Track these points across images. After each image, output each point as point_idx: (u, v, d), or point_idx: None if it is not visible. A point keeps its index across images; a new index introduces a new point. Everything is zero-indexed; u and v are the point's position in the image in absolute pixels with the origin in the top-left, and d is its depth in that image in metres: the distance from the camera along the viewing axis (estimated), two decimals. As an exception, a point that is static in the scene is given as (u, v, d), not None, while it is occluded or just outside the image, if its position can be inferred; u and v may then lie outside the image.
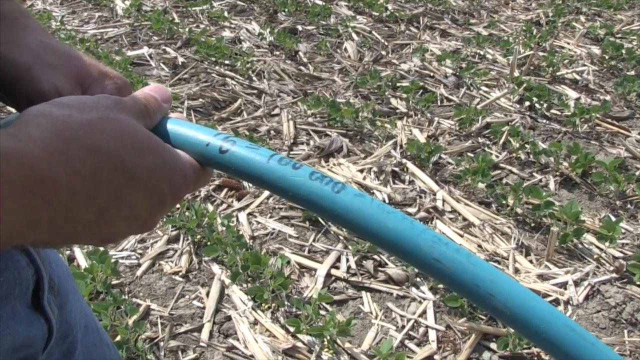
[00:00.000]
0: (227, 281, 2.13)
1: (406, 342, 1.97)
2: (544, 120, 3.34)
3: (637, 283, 2.21)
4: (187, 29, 4.18)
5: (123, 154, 0.46)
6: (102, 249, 2.13)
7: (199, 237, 2.31)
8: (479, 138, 3.12)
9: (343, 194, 0.48)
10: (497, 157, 2.93)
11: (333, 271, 2.21)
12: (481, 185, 2.65)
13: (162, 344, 1.91)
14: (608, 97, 3.63)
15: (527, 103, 3.48)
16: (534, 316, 0.45)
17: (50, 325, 0.66)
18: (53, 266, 0.70)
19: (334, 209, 0.48)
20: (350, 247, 2.28)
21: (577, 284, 2.20)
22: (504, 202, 2.55)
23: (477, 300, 0.46)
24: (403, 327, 2.02)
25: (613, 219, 2.44)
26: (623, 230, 2.47)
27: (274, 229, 2.41)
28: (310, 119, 3.21)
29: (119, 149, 0.46)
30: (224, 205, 2.56)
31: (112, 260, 2.11)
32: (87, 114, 0.46)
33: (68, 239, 0.46)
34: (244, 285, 2.11)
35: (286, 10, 4.75)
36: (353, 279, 2.18)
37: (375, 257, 2.26)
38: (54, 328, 0.67)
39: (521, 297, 0.45)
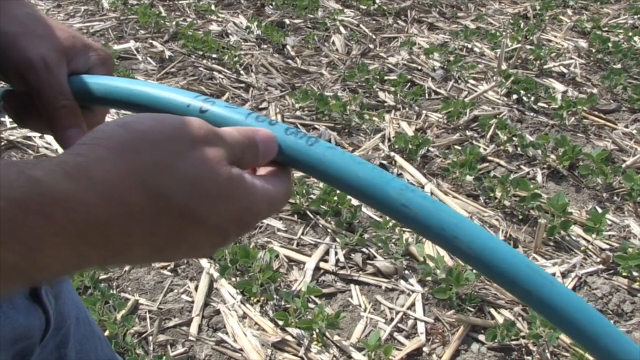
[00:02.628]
0: (216, 275, 2.12)
1: (395, 334, 1.98)
2: (532, 113, 3.35)
3: (623, 274, 2.23)
4: (174, 23, 4.16)
5: (192, 203, 0.41)
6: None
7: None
8: (467, 131, 3.13)
9: (316, 147, 0.50)
10: (484, 149, 2.94)
11: (322, 264, 2.21)
12: (469, 178, 2.66)
13: (151, 338, 1.90)
14: (595, 90, 3.65)
15: (514, 96, 3.49)
16: (497, 257, 0.46)
17: (47, 316, 0.67)
18: None
19: (308, 161, 0.50)
20: (338, 240, 2.28)
21: (564, 275, 2.22)
22: (491, 194, 2.56)
23: (443, 243, 0.47)
24: (392, 319, 2.02)
25: (600, 211, 2.46)
26: (609, 222, 2.49)
27: (262, 222, 2.40)
28: (298, 113, 3.21)
29: (189, 197, 0.41)
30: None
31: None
32: (160, 152, 0.42)
33: (118, 265, 0.45)
34: (233, 279, 2.11)
35: (274, 3, 4.73)
36: (342, 272, 2.18)
37: (364, 250, 2.26)
38: (51, 319, 0.67)
39: (484, 239, 0.47)
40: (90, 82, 0.61)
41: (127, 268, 2.16)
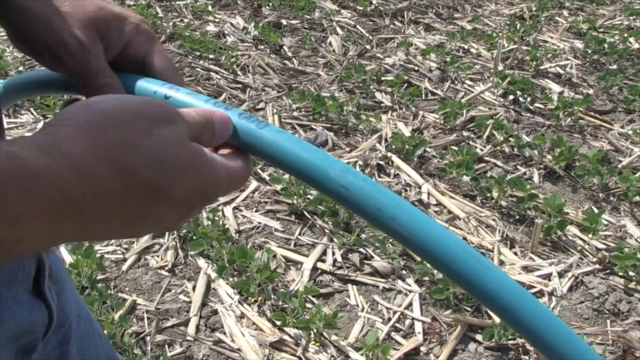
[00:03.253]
0: (213, 275, 2.12)
1: (392, 334, 1.98)
2: (528, 114, 3.36)
3: (620, 274, 2.24)
4: (171, 23, 4.16)
5: (157, 177, 0.43)
6: (87, 244, 2.12)
7: (184, 231, 2.30)
8: (464, 131, 3.13)
9: (266, 130, 0.52)
10: (481, 150, 2.95)
11: (319, 264, 2.21)
12: (466, 178, 2.67)
13: (148, 338, 1.90)
14: (591, 91, 3.66)
15: (511, 97, 3.50)
16: (433, 239, 0.47)
17: (50, 312, 0.67)
18: (50, 254, 0.71)
19: (257, 143, 0.52)
20: (336, 240, 2.28)
21: (561, 275, 2.23)
22: (488, 194, 2.57)
23: (381, 224, 0.48)
24: (389, 319, 2.03)
25: (596, 211, 2.47)
26: (605, 222, 2.50)
27: (259, 222, 2.40)
28: (295, 113, 3.21)
29: (154, 172, 0.43)
30: (210, 200, 2.54)
31: (98, 255, 2.10)
32: (125, 130, 0.44)
33: (88, 241, 0.46)
34: (230, 279, 2.11)
35: (270, 4, 4.73)
36: (339, 272, 2.19)
37: (361, 250, 2.27)
38: (54, 314, 0.68)
39: (421, 222, 0.47)
40: None
41: (124, 268, 2.16)
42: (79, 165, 0.40)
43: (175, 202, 0.45)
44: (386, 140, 2.99)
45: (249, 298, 2.04)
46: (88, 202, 0.40)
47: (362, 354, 1.86)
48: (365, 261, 2.24)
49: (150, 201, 0.44)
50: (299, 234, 2.36)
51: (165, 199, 0.45)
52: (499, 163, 2.89)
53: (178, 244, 2.27)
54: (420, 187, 2.65)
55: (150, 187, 0.43)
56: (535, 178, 2.79)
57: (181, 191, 0.45)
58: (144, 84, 0.58)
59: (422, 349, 1.93)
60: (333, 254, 2.25)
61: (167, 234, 2.31)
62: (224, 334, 1.93)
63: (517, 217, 2.51)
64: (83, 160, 0.40)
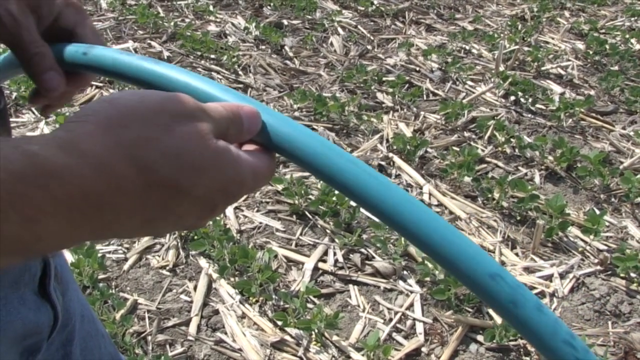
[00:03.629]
0: (215, 275, 2.12)
1: (393, 334, 1.98)
2: (529, 115, 3.36)
3: (621, 275, 2.24)
4: (172, 23, 4.16)
5: (177, 174, 0.43)
6: (88, 243, 2.11)
7: (185, 231, 2.30)
8: (465, 132, 3.13)
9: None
10: (482, 151, 2.95)
11: (320, 265, 2.21)
12: (467, 179, 2.67)
13: (149, 338, 1.90)
14: (592, 92, 3.66)
15: (512, 97, 3.50)
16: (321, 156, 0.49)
17: (55, 312, 0.67)
18: (55, 254, 0.71)
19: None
20: (337, 240, 2.28)
21: (562, 276, 2.23)
22: (489, 195, 2.57)
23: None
24: (390, 319, 2.03)
25: (597, 212, 2.47)
26: (607, 224, 2.50)
27: (261, 222, 2.40)
28: (296, 113, 3.21)
29: (175, 170, 0.43)
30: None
31: (99, 255, 2.10)
32: (145, 126, 0.43)
33: (107, 239, 0.46)
34: (232, 279, 2.11)
35: (272, 4, 4.73)
36: (340, 272, 2.19)
37: (362, 250, 2.27)
38: (59, 315, 0.68)
39: (310, 141, 0.50)
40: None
41: (125, 268, 2.16)
42: (98, 164, 0.40)
43: (198, 200, 0.45)
44: (387, 140, 2.99)
45: (250, 298, 2.04)
46: (107, 201, 0.40)
47: (363, 355, 1.86)
48: (367, 261, 2.23)
49: (171, 199, 0.43)
50: (300, 234, 2.36)
51: (187, 197, 0.44)
52: (500, 164, 2.89)
53: (179, 244, 2.27)
54: (421, 188, 2.65)
55: (171, 185, 0.43)
56: (537, 179, 2.79)
57: (204, 189, 0.44)
58: (70, 47, 0.61)
59: (423, 349, 1.93)
60: (334, 254, 2.25)
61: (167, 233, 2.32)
62: (225, 334, 1.93)
63: (518, 218, 2.50)
64: (102, 158, 0.40)
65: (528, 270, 2.24)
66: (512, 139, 2.99)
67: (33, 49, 0.60)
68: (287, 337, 1.91)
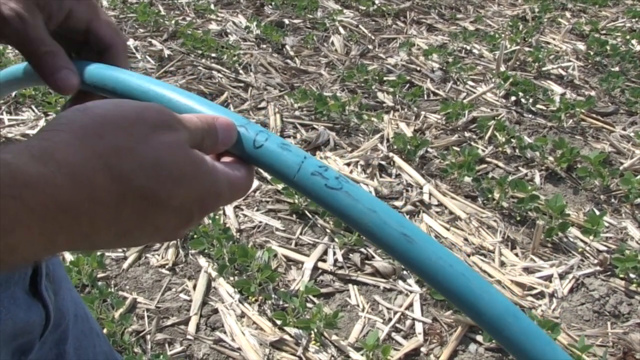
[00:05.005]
0: (214, 274, 2.12)
1: (393, 334, 1.98)
2: (530, 115, 3.36)
3: (621, 276, 2.23)
4: (173, 22, 4.16)
5: (154, 185, 0.42)
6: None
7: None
8: (465, 132, 3.13)
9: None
10: (483, 151, 2.95)
11: (320, 264, 2.21)
12: (467, 179, 2.66)
13: (148, 337, 1.90)
14: (593, 93, 3.66)
15: (513, 98, 3.49)
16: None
17: (47, 312, 0.67)
18: None
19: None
20: (337, 240, 2.28)
21: (562, 277, 2.23)
22: (490, 196, 2.57)
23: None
24: (390, 319, 2.03)
25: (597, 213, 2.46)
26: (607, 224, 2.49)
27: (260, 222, 2.40)
28: (297, 113, 3.21)
29: (151, 180, 0.42)
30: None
31: (98, 253, 2.10)
32: (121, 136, 0.42)
33: (84, 250, 0.45)
34: (231, 278, 2.11)
35: (273, 3, 4.73)
36: (340, 272, 2.18)
37: (362, 250, 2.27)
38: (51, 314, 0.67)
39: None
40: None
41: (125, 267, 2.16)
42: (73, 173, 0.39)
43: (174, 211, 0.44)
44: (388, 140, 2.99)
45: (250, 297, 2.04)
46: (83, 210, 0.39)
47: (362, 354, 1.86)
48: (366, 261, 2.23)
49: (148, 209, 0.43)
50: (300, 234, 2.35)
51: (163, 208, 0.43)
52: (500, 164, 2.89)
53: (179, 243, 2.27)
54: (421, 188, 2.64)
55: (147, 195, 0.42)
56: (537, 179, 2.79)
57: (180, 199, 0.44)
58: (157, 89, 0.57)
59: (423, 349, 1.93)
60: (334, 253, 2.25)
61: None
62: (225, 333, 1.93)
63: (518, 218, 2.50)
64: (78, 167, 0.39)
65: (528, 270, 2.24)
66: (512, 140, 2.99)
67: (43, 48, 0.58)
68: (287, 337, 1.91)
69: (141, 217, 0.43)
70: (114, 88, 0.58)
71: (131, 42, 3.89)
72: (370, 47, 4.12)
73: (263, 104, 3.28)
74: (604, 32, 4.63)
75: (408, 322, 2.02)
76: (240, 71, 3.62)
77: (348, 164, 2.79)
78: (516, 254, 2.33)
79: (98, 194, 0.40)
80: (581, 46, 4.31)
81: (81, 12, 0.62)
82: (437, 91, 3.56)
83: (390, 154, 2.86)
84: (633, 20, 4.94)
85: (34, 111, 3.06)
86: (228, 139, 0.51)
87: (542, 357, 0.47)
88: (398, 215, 0.49)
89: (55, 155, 0.39)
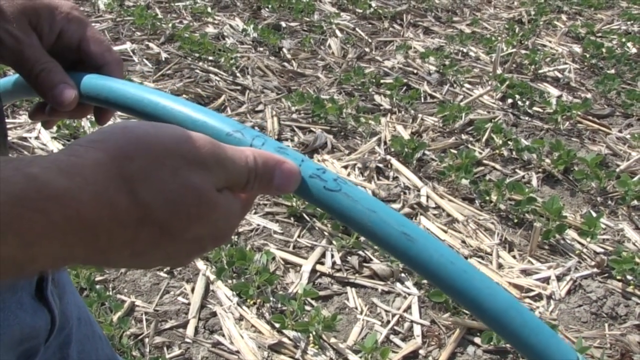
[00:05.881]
0: (212, 277, 2.12)
1: (391, 337, 1.98)
2: (527, 118, 3.37)
3: (618, 278, 2.24)
4: (170, 25, 4.16)
5: (171, 219, 0.43)
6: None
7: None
8: (463, 135, 3.14)
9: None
10: (480, 153, 2.96)
11: (318, 267, 2.21)
12: (465, 182, 2.67)
13: (147, 340, 1.90)
14: (589, 95, 3.67)
15: (509, 100, 3.51)
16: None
17: (53, 316, 0.67)
18: None
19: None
20: (335, 242, 2.29)
21: (559, 278, 2.23)
22: (487, 198, 2.57)
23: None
24: (388, 322, 2.03)
25: (594, 215, 2.47)
26: (604, 226, 2.50)
27: (258, 225, 2.40)
28: (294, 115, 3.21)
29: (169, 214, 0.43)
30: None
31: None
32: (152, 163, 0.43)
33: (98, 265, 0.46)
34: (229, 281, 2.11)
35: (270, 6, 4.74)
36: (338, 274, 2.19)
37: (360, 252, 2.27)
38: (56, 319, 0.67)
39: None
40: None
41: (123, 270, 2.16)
42: (98, 192, 0.40)
43: (186, 242, 0.45)
44: (385, 143, 2.99)
45: (248, 300, 2.04)
46: (103, 228, 0.40)
47: (360, 357, 1.86)
48: (364, 264, 2.24)
49: (162, 238, 0.44)
50: (298, 237, 2.36)
51: (177, 239, 0.44)
52: (497, 166, 2.90)
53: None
54: (419, 190, 2.65)
55: (162, 226, 0.43)
56: (534, 182, 2.80)
57: (193, 234, 0.45)
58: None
59: (421, 351, 1.93)
60: (332, 256, 2.25)
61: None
62: (223, 336, 1.93)
63: (515, 220, 2.51)
64: (103, 187, 0.40)
65: (525, 272, 2.25)
66: (509, 142, 3.00)
67: (38, 66, 0.59)
68: (285, 340, 1.91)
69: (154, 243, 0.44)
70: (107, 97, 0.59)
71: (128, 46, 3.89)
72: (367, 50, 4.13)
73: (260, 107, 3.29)
74: (599, 34, 4.65)
75: (406, 325, 2.02)
76: (238, 74, 3.62)
77: (345, 167, 2.79)
78: (514, 256, 2.33)
79: (119, 215, 0.41)
80: (577, 49, 4.32)
81: (72, 31, 0.63)
82: (434, 94, 3.57)
83: (388, 157, 2.87)
84: (628, 22, 4.96)
85: (31, 114, 3.05)
86: (285, 187, 0.50)
87: (547, 350, 0.47)
88: (398, 214, 0.50)
89: (84, 172, 0.40)
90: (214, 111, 0.54)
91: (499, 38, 4.37)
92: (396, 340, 1.97)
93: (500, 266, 2.27)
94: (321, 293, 2.10)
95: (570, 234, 2.45)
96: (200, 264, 2.18)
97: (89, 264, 0.42)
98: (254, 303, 2.04)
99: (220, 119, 0.53)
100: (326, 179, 0.50)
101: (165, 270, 2.17)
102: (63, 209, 0.38)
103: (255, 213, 2.46)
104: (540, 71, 3.92)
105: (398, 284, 2.16)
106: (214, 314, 2.00)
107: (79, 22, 0.64)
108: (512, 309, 0.48)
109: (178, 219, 0.43)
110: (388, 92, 3.46)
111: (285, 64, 3.84)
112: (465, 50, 4.20)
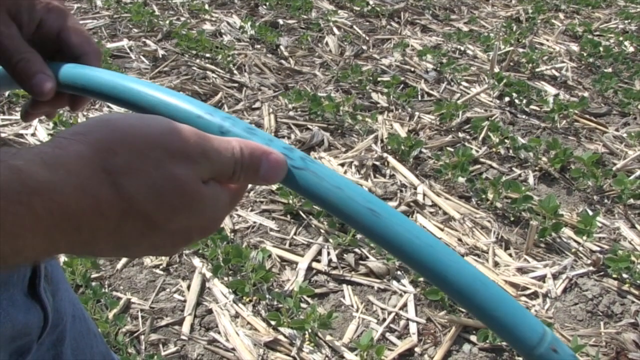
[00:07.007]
0: (208, 274, 2.12)
1: (387, 334, 1.98)
2: (524, 116, 3.37)
3: (614, 276, 2.24)
4: (167, 22, 4.15)
5: (155, 211, 0.43)
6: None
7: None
8: (459, 133, 3.14)
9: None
10: (477, 151, 2.96)
11: (314, 264, 2.21)
12: (461, 180, 2.67)
13: (142, 337, 1.89)
14: (586, 94, 3.67)
15: (506, 99, 3.51)
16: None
17: (45, 313, 0.67)
18: None
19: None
20: (331, 240, 2.28)
21: (555, 277, 2.23)
22: (483, 196, 2.58)
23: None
24: (384, 320, 2.03)
25: (590, 213, 2.47)
26: (600, 225, 2.51)
27: (255, 222, 2.40)
28: (291, 113, 3.21)
29: (153, 205, 0.43)
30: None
31: (92, 254, 2.09)
32: (136, 156, 0.43)
33: (83, 256, 0.47)
34: (225, 279, 2.11)
35: (267, 3, 4.73)
36: (334, 272, 2.19)
37: (356, 250, 2.27)
38: (49, 316, 0.67)
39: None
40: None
41: (119, 267, 2.16)
42: (81, 184, 0.40)
43: (172, 233, 0.45)
44: (382, 140, 2.99)
45: (244, 297, 2.04)
46: (86, 221, 0.40)
47: (356, 355, 1.86)
48: (361, 261, 2.24)
49: (146, 229, 0.44)
50: (294, 234, 2.36)
51: (161, 231, 0.44)
52: (494, 165, 2.90)
53: (173, 243, 2.26)
54: (415, 188, 2.65)
55: (146, 218, 0.43)
56: (531, 180, 2.80)
57: (178, 225, 0.45)
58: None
59: (417, 349, 1.93)
60: (328, 254, 2.25)
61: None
62: (219, 333, 1.93)
63: (512, 218, 2.51)
64: (86, 179, 0.40)
65: (521, 270, 2.25)
66: (506, 140, 3.00)
67: (17, 55, 0.59)
68: (281, 337, 1.91)
69: (139, 235, 0.44)
70: (83, 85, 0.59)
71: (125, 42, 3.88)
72: (364, 47, 4.12)
73: (257, 105, 3.28)
74: (597, 33, 4.65)
75: (402, 322, 2.02)
76: (235, 71, 3.62)
77: (342, 165, 2.79)
78: (510, 254, 2.33)
79: (101, 207, 0.41)
80: (574, 47, 4.33)
81: (51, 20, 0.63)
82: (431, 92, 3.57)
83: (385, 155, 2.87)
84: (626, 21, 4.97)
85: (27, 111, 3.04)
86: (272, 178, 0.49)
87: (513, 322, 0.47)
88: (364, 191, 0.50)
89: (67, 165, 0.40)
90: (187, 95, 0.55)
91: (497, 36, 4.37)
92: (392, 338, 1.97)
93: (496, 264, 2.27)
94: (317, 291, 2.10)
95: (567, 232, 2.45)
96: (196, 261, 2.18)
97: (73, 255, 0.42)
98: (250, 300, 2.04)
99: (192, 102, 0.53)
100: (293, 157, 0.50)
101: (161, 267, 2.16)
102: (46, 202, 0.38)
103: (251, 210, 2.46)
104: (537, 69, 3.92)
105: (394, 282, 2.16)
106: (210, 312, 2.00)
107: (58, 12, 0.63)
108: (478, 281, 0.47)
109: (162, 210, 0.43)
110: (385, 90, 3.46)
111: (283, 61, 3.83)
112: (462, 48, 4.20)
